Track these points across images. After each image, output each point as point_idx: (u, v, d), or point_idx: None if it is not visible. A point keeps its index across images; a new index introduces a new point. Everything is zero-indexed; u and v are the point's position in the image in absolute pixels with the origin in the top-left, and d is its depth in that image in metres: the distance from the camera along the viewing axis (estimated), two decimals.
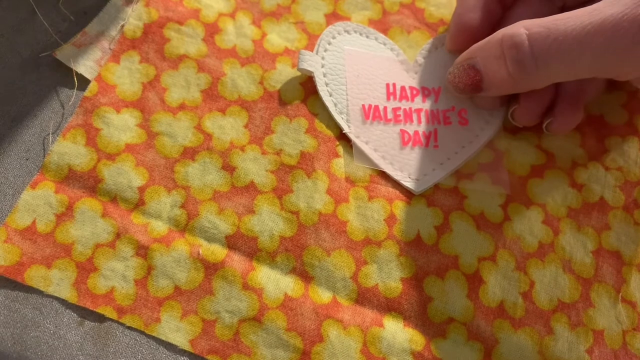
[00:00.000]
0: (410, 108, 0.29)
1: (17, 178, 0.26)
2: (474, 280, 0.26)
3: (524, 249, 0.27)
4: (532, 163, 0.29)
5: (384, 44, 0.31)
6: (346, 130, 0.28)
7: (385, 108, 0.29)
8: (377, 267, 0.26)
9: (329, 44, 0.30)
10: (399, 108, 0.29)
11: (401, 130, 0.28)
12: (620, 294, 0.27)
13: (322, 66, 0.29)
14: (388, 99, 0.29)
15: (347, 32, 0.30)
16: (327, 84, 0.29)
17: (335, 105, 0.28)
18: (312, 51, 0.30)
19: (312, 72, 0.28)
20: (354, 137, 0.28)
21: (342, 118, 0.28)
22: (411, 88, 0.29)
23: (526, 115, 0.28)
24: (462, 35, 0.28)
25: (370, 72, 0.29)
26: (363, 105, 0.28)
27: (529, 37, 0.23)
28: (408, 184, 0.27)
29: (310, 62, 0.28)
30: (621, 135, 0.30)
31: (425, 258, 0.26)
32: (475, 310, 0.26)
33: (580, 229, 0.28)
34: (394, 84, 0.29)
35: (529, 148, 0.29)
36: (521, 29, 0.23)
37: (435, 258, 0.27)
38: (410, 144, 0.28)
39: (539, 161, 0.29)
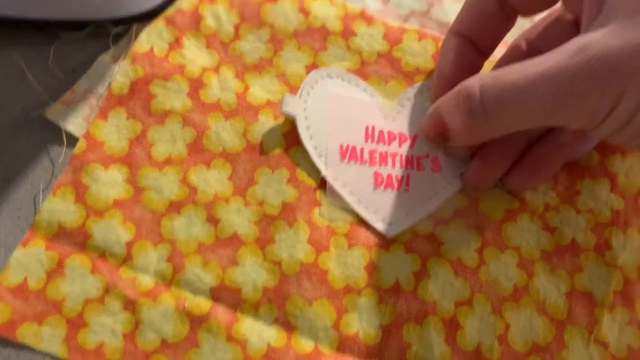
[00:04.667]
0: (386, 152, 0.30)
1: (9, 236, 0.27)
2: (452, 325, 0.27)
3: (500, 293, 0.28)
4: (505, 207, 0.30)
5: (365, 90, 0.32)
6: (323, 172, 0.29)
7: (362, 149, 0.30)
8: (358, 315, 0.27)
9: (312, 87, 0.31)
10: (375, 151, 0.30)
11: (375, 172, 0.29)
12: (593, 334, 0.28)
13: (304, 109, 0.30)
14: (366, 140, 0.30)
15: (330, 76, 0.31)
16: (308, 127, 0.30)
17: (315, 148, 0.30)
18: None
19: (294, 115, 0.30)
20: (331, 179, 0.29)
21: (321, 160, 0.29)
22: (389, 133, 0.31)
23: (476, 180, 0.29)
24: (443, 88, 0.29)
25: (350, 114, 0.31)
26: (341, 145, 0.30)
27: (480, 88, 0.24)
28: (381, 227, 0.28)
29: (293, 105, 0.30)
30: (592, 177, 0.31)
31: (404, 305, 0.27)
32: (452, 354, 0.27)
33: (553, 271, 0.29)
34: (372, 127, 0.31)
35: (502, 194, 0.30)
36: (475, 80, 0.25)
37: (414, 304, 0.27)
38: (382, 186, 0.29)
39: (512, 206, 0.30)
